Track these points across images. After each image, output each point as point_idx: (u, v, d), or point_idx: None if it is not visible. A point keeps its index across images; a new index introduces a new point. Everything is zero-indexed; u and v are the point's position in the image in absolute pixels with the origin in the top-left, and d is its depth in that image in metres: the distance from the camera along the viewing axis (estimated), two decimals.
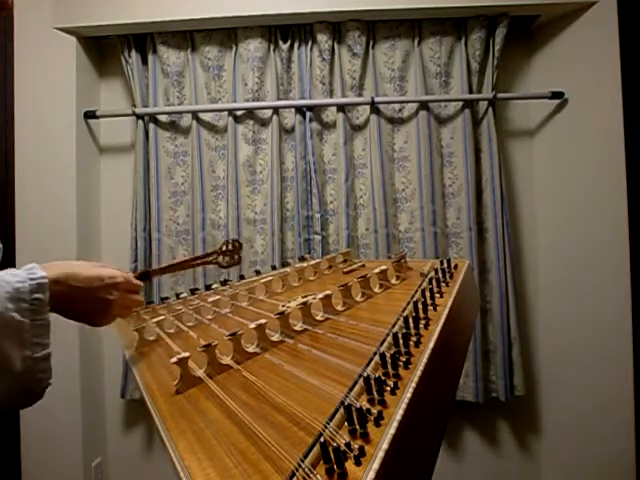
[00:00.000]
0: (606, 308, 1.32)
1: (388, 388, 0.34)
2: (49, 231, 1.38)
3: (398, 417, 0.31)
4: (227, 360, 0.52)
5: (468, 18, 1.42)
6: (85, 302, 0.53)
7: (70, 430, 1.38)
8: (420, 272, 0.70)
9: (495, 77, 1.44)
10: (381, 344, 0.43)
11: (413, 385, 0.35)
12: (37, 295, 0.45)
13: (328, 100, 1.46)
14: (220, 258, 0.62)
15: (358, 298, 0.64)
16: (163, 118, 1.50)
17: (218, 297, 0.82)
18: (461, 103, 1.44)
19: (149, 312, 0.94)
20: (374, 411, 0.31)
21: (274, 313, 0.57)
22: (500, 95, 1.43)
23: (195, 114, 1.46)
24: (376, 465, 0.26)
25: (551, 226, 1.51)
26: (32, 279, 0.45)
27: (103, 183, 1.58)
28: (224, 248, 0.85)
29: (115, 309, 0.57)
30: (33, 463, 1.35)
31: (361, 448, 0.28)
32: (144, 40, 1.49)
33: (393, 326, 0.47)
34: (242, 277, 1.10)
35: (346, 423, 0.31)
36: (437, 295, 0.56)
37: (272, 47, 1.47)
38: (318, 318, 0.59)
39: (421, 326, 0.46)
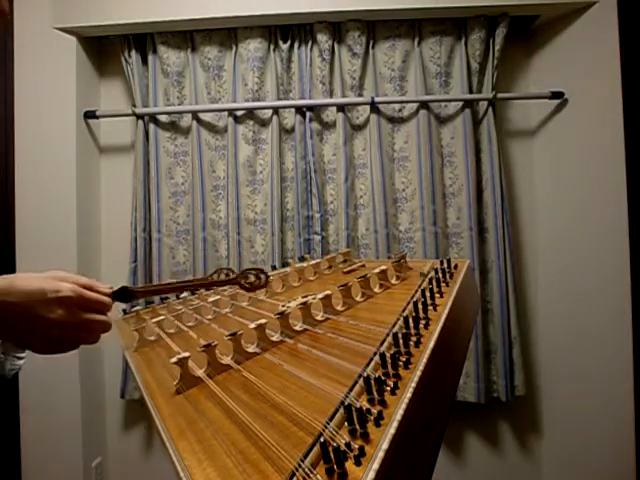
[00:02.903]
0: (606, 308, 1.32)
1: (388, 388, 0.34)
2: (49, 231, 1.37)
3: (398, 417, 0.31)
4: (227, 360, 0.52)
5: (468, 18, 1.42)
6: (22, 322, 0.43)
7: (70, 430, 1.38)
8: (420, 272, 0.70)
9: (495, 77, 1.44)
10: (381, 344, 0.43)
11: (413, 385, 0.35)
12: None
13: (328, 100, 1.46)
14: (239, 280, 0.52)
15: (358, 298, 0.64)
16: (163, 118, 1.50)
17: (218, 297, 0.83)
18: (461, 103, 1.44)
19: (149, 312, 0.94)
20: (374, 411, 0.31)
21: (274, 313, 0.57)
22: (500, 95, 1.42)
23: (195, 114, 1.46)
24: (376, 465, 0.26)
25: (551, 226, 1.51)
26: None
27: (103, 183, 1.58)
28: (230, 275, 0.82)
29: (66, 332, 0.45)
30: (33, 463, 1.35)
31: (361, 448, 0.28)
32: (144, 40, 1.49)
33: (393, 326, 0.47)
34: None
35: (346, 423, 0.31)
36: (437, 295, 0.56)
37: (272, 47, 1.47)
38: (318, 318, 0.59)
39: (421, 326, 0.46)
